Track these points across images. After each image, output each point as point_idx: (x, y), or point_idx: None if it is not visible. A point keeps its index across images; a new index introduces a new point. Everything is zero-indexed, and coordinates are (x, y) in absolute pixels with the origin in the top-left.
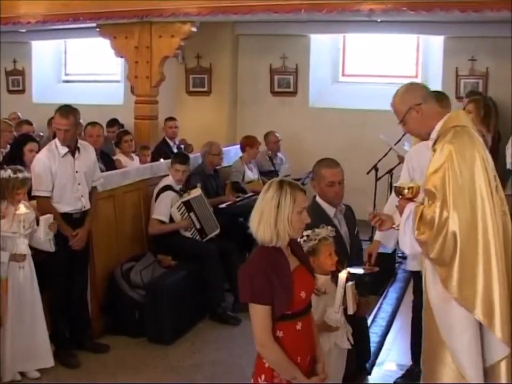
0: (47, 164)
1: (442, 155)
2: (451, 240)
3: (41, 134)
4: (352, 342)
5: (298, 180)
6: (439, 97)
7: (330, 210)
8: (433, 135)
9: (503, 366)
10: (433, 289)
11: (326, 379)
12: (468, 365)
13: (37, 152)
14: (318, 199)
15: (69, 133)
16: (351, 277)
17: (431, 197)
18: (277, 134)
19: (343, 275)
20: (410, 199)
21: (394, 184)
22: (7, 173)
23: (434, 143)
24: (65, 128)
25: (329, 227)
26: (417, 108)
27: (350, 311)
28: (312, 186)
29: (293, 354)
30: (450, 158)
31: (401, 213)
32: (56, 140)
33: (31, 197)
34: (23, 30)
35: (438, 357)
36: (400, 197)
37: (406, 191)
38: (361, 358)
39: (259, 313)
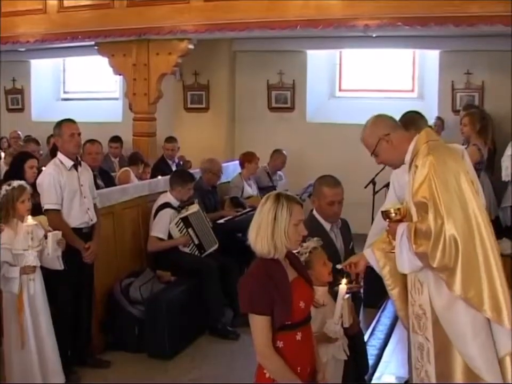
0: (56, 177)
1: (424, 168)
2: (452, 244)
3: (41, 152)
4: (348, 353)
5: (296, 195)
6: (413, 118)
7: (326, 224)
8: (407, 157)
9: (508, 361)
10: (439, 300)
11: None
12: (485, 367)
13: (37, 169)
14: (315, 213)
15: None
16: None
17: (423, 209)
18: (284, 152)
19: (343, 286)
20: (400, 221)
21: (380, 209)
22: (3, 188)
23: (411, 163)
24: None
25: (315, 238)
26: (387, 138)
27: (346, 324)
28: (312, 201)
29: (293, 364)
30: (432, 168)
31: (393, 235)
32: (59, 154)
33: (38, 213)
34: (22, 49)
35: (451, 366)
36: (388, 220)
37: (393, 214)
38: (359, 371)
39: (259, 324)
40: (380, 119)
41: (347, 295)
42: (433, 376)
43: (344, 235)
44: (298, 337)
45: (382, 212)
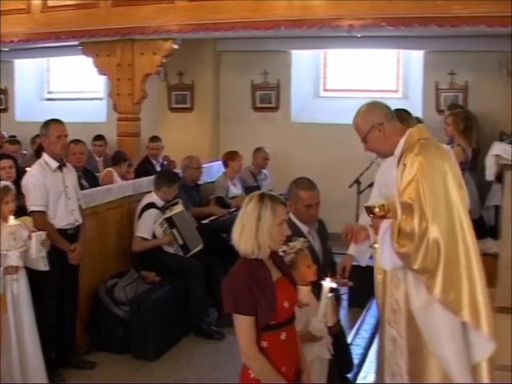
0: (41, 178)
1: (413, 168)
2: (434, 247)
3: (25, 152)
4: (333, 352)
5: (281, 195)
6: (402, 115)
7: (304, 227)
8: (397, 151)
9: (484, 366)
10: (417, 300)
11: None
12: (457, 370)
13: (20, 169)
14: (292, 216)
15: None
16: (330, 289)
17: (408, 210)
18: (267, 151)
19: (327, 284)
20: (383, 217)
21: (364, 204)
22: None
23: (399, 159)
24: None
25: (301, 238)
26: (380, 127)
27: (330, 322)
28: (288, 205)
29: (278, 364)
30: (421, 169)
31: (376, 231)
32: (44, 155)
33: (23, 214)
34: (6, 49)
35: (423, 365)
36: (372, 216)
37: (377, 209)
38: (342, 369)
39: (243, 324)
40: (376, 106)
41: (330, 294)
42: (405, 371)
43: (320, 236)
44: (283, 337)
45: (366, 207)
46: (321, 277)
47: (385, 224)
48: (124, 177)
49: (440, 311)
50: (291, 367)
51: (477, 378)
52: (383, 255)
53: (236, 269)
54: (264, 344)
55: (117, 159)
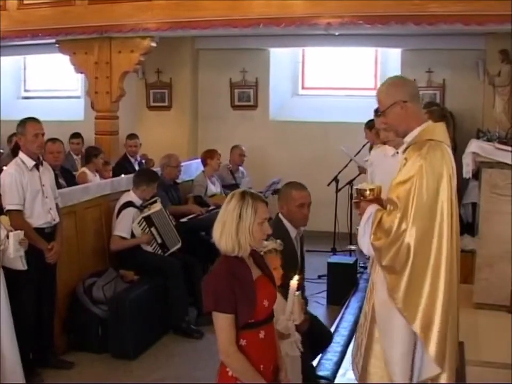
0: (18, 177)
1: (413, 168)
2: (404, 251)
3: (1, 150)
4: (302, 350)
5: (260, 192)
6: (435, 112)
7: (292, 230)
8: (408, 138)
9: None
10: (381, 295)
11: None
12: (398, 372)
13: None
14: (282, 217)
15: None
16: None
17: (393, 206)
18: (243, 148)
19: (294, 282)
20: (372, 201)
21: (355, 186)
22: None
23: (405, 150)
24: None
25: (278, 240)
26: (403, 104)
27: (296, 320)
28: (280, 206)
29: (256, 362)
30: (420, 174)
31: (362, 214)
32: (21, 154)
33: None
34: None
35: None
36: (362, 198)
37: (367, 192)
38: (322, 342)
39: (223, 322)
40: (404, 83)
41: (297, 292)
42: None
43: (301, 244)
44: (262, 335)
45: (357, 189)
46: (291, 273)
47: (370, 210)
48: (100, 172)
49: (398, 315)
50: (269, 365)
51: None
52: (364, 240)
53: (216, 267)
54: (243, 342)
55: (88, 156)
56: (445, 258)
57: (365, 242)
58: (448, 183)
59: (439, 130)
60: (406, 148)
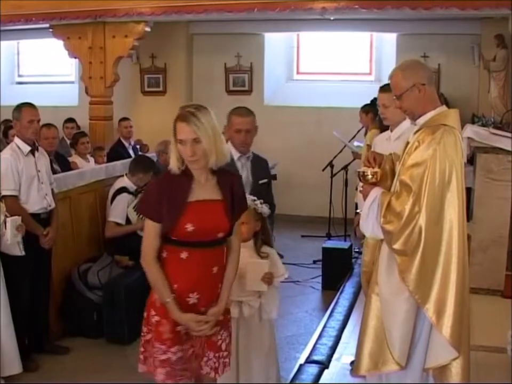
0: (13, 162)
1: (426, 152)
2: (416, 234)
3: None
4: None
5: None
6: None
7: (235, 153)
8: (421, 120)
9: (454, 371)
10: (387, 280)
11: (206, 326)
12: (397, 352)
13: None
14: (229, 142)
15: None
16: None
17: (405, 189)
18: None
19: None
20: (374, 184)
21: (357, 169)
22: None
23: (416, 132)
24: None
25: (251, 196)
26: (421, 87)
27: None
28: (225, 130)
29: (172, 279)
30: (434, 158)
31: (365, 197)
32: (16, 139)
33: None
34: None
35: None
36: (364, 181)
37: (369, 176)
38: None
39: (147, 228)
40: (421, 66)
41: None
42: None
43: (255, 169)
44: (183, 256)
45: (359, 171)
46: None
47: (374, 193)
48: (89, 154)
49: (406, 299)
50: (186, 289)
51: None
52: (367, 222)
53: (158, 178)
54: (165, 254)
55: (74, 142)
56: (456, 242)
57: (368, 225)
58: (459, 170)
59: (453, 116)
60: (418, 130)
